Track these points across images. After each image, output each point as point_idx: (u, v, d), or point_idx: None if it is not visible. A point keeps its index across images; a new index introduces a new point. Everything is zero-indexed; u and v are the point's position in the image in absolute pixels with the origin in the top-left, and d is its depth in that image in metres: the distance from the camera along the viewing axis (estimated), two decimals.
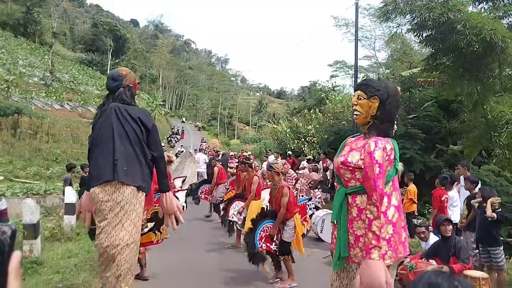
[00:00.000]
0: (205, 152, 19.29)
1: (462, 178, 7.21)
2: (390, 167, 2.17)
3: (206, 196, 9.99)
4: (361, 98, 2.30)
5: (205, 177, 14.91)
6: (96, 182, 2.79)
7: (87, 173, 9.34)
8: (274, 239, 5.38)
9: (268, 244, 5.39)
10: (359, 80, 21.11)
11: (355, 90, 2.42)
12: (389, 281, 1.99)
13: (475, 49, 8.23)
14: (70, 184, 8.59)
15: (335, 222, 2.32)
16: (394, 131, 2.32)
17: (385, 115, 2.26)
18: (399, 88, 2.37)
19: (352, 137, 2.48)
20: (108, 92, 3.16)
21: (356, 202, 2.22)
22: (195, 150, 26.12)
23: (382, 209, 2.06)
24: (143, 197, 2.92)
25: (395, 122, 2.33)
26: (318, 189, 10.78)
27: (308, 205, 7.66)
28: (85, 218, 3.05)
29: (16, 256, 0.70)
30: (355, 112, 2.34)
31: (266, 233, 5.41)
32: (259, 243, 5.36)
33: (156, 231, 4.68)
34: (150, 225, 4.64)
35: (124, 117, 2.89)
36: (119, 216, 2.75)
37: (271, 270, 5.57)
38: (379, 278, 1.94)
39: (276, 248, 5.40)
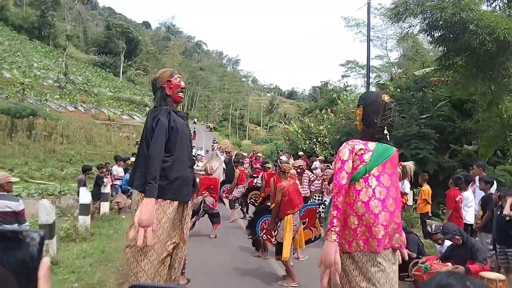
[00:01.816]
0: (223, 153, 19.29)
1: (477, 178, 7.12)
2: (362, 166, 2.37)
3: (227, 195, 10.34)
4: (355, 110, 2.72)
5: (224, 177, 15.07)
6: None
7: (103, 173, 9.54)
8: (274, 234, 5.69)
9: (269, 237, 5.90)
10: (371, 80, 21.06)
11: None
12: (337, 261, 2.24)
13: (488, 48, 8.14)
14: (84, 185, 8.71)
15: None
16: (387, 135, 2.47)
17: (365, 119, 2.53)
18: (384, 96, 2.55)
19: None
20: None
21: None
22: (207, 151, 26.17)
23: (349, 201, 2.35)
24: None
25: (384, 127, 2.47)
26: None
27: (319, 212, 7.65)
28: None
29: (45, 262, 0.70)
30: (356, 123, 2.79)
31: (266, 226, 5.91)
32: (261, 233, 6.02)
33: None
34: None
35: (146, 121, 2.97)
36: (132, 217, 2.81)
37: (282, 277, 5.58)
38: (329, 256, 2.25)
39: (275, 241, 5.55)
